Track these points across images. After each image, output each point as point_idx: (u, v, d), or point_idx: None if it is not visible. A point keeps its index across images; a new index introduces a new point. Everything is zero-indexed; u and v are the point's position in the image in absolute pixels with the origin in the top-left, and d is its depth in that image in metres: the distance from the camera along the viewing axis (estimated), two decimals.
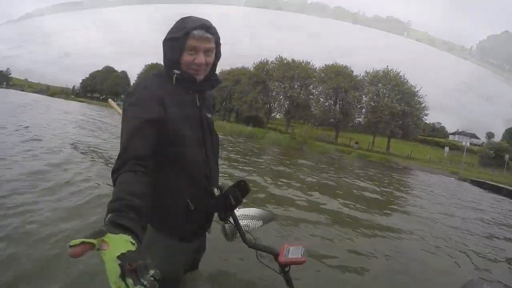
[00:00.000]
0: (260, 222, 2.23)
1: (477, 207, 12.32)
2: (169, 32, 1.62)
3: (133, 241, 0.90)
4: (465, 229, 7.36)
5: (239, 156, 14.57)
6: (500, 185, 22.30)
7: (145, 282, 0.82)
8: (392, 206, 8.90)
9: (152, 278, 0.84)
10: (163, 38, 1.65)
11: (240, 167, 10.77)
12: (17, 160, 6.35)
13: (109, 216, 1.03)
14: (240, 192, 1.75)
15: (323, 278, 3.48)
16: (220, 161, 1.98)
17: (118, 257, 0.83)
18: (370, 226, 6.07)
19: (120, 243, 0.87)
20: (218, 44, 1.68)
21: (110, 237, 0.88)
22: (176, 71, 1.60)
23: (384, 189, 12.38)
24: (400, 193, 12.35)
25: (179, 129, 1.58)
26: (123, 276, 0.81)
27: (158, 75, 1.69)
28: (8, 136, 9.21)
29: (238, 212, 2.10)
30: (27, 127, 11.62)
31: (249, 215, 2.20)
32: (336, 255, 4.22)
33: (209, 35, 1.59)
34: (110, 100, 3.48)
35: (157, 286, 0.84)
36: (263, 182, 8.61)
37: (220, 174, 1.96)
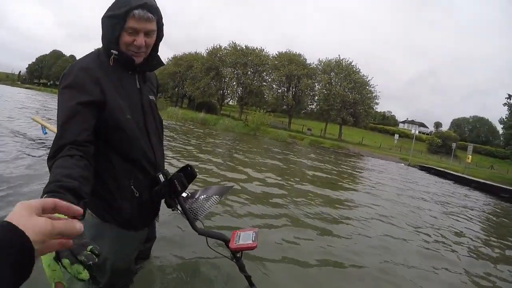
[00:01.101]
0: (217, 197, 2.07)
1: (421, 185, 13.57)
2: (109, 9, 1.46)
3: None
4: (404, 194, 9.31)
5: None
6: (446, 170, 23.47)
7: (82, 258, 0.76)
8: (345, 184, 9.45)
9: (90, 252, 0.78)
10: (102, 15, 1.49)
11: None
12: None
13: (43, 197, 0.97)
14: (186, 177, 1.67)
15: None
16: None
17: None
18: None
19: None
20: (160, 24, 1.56)
21: None
22: (114, 52, 1.47)
23: (338, 173, 12.60)
24: (353, 175, 12.48)
25: (118, 112, 1.46)
26: (57, 258, 0.76)
27: (96, 54, 1.55)
28: None
29: (192, 195, 2.03)
30: None
31: (205, 195, 2.04)
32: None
33: (150, 15, 1.45)
34: (34, 117, 2.92)
35: (96, 260, 0.78)
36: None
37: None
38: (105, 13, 1.47)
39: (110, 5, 1.46)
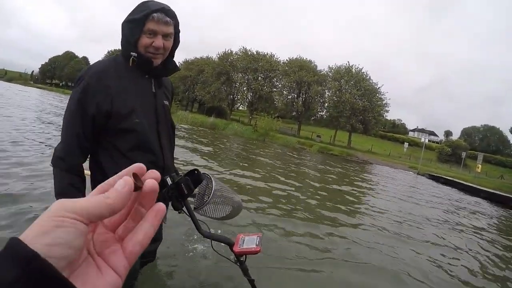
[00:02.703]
0: (229, 208, 2.04)
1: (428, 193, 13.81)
2: (129, 14, 1.57)
3: None
4: (401, 201, 9.39)
5: None
6: (455, 179, 23.27)
7: None
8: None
9: None
10: (123, 21, 1.60)
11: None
12: None
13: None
14: (193, 181, 1.69)
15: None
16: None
17: None
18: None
19: None
20: (177, 30, 1.66)
21: None
22: (133, 54, 1.56)
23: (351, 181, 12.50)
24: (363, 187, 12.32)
25: (127, 116, 1.55)
26: None
27: (113, 59, 1.64)
28: None
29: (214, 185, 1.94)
30: None
31: (223, 196, 1.99)
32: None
33: (168, 19, 1.55)
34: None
35: None
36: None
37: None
38: (125, 19, 1.58)
39: (130, 12, 1.57)
